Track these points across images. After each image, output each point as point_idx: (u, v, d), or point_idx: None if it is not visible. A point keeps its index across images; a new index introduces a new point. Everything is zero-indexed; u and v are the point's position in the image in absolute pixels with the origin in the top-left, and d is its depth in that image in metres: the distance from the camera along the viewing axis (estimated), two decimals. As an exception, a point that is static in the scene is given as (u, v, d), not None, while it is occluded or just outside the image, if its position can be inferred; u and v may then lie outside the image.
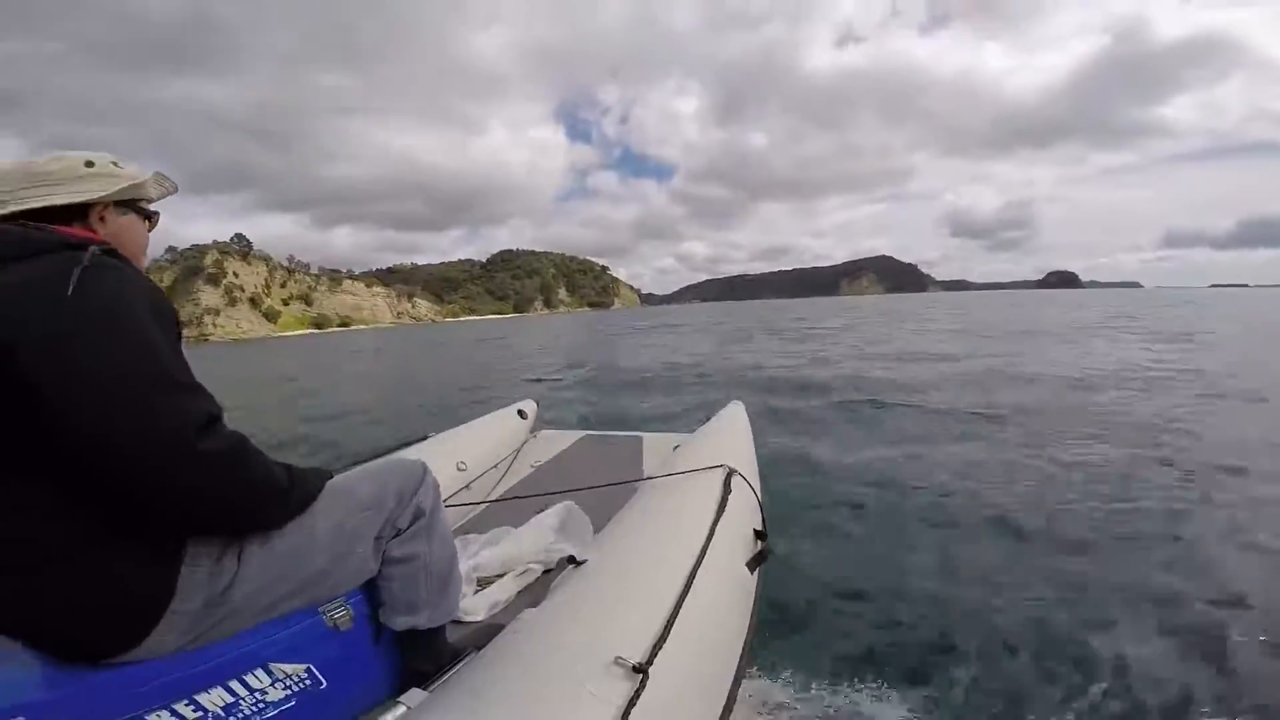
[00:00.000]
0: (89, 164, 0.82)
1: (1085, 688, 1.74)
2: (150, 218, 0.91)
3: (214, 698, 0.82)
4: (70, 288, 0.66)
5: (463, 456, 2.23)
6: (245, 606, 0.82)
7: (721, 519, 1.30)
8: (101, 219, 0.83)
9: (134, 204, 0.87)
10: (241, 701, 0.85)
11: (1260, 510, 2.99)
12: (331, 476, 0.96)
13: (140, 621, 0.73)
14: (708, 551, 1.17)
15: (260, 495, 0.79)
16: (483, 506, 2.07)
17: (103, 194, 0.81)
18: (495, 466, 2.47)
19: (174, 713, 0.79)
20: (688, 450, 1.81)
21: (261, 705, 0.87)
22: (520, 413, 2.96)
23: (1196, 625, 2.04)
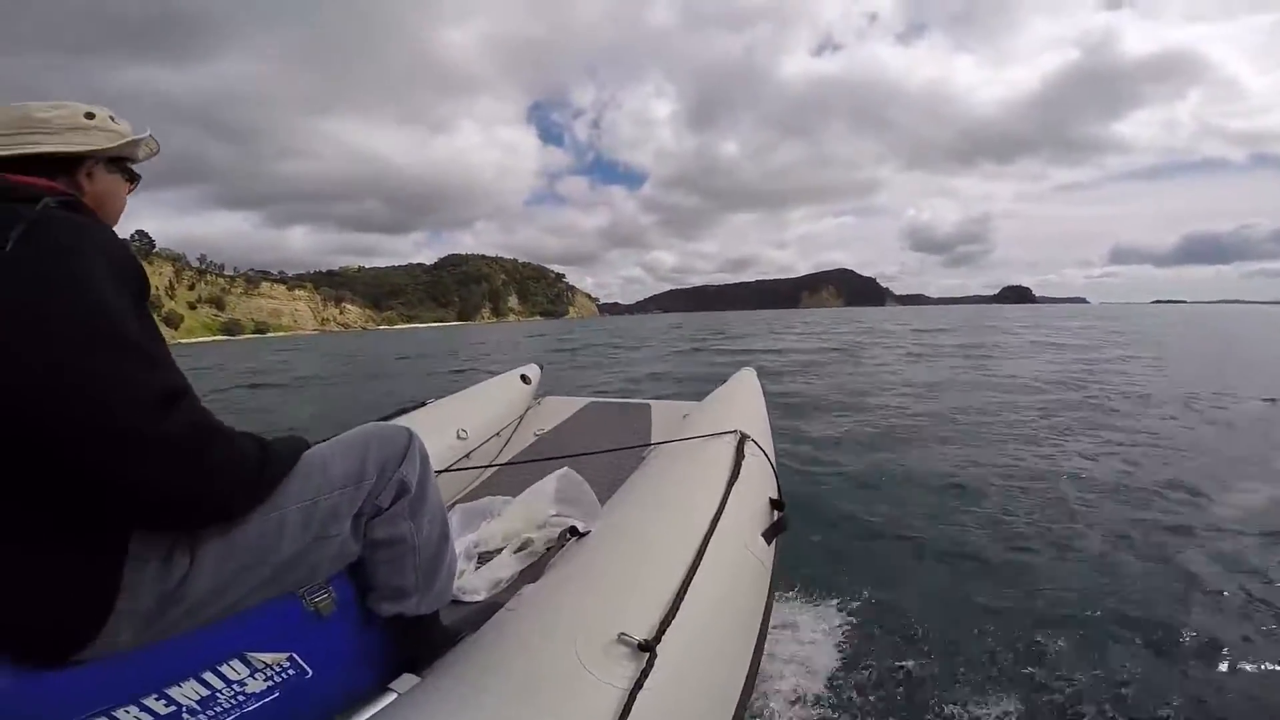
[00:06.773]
0: (89, 115, 0.81)
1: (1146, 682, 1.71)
2: (134, 180, 0.91)
3: (187, 691, 0.78)
4: (9, 243, 0.61)
5: (463, 424, 2.18)
6: (208, 601, 0.77)
7: (735, 487, 1.30)
8: (90, 175, 0.82)
9: (122, 163, 0.88)
10: (219, 694, 0.80)
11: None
12: (308, 446, 0.90)
13: (84, 623, 0.68)
14: (720, 522, 1.16)
15: (225, 486, 0.72)
16: (484, 477, 2.03)
17: (94, 147, 0.81)
18: (497, 434, 2.43)
19: (144, 708, 0.74)
20: (698, 416, 1.81)
21: (241, 698, 0.82)
22: (524, 378, 2.93)
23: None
